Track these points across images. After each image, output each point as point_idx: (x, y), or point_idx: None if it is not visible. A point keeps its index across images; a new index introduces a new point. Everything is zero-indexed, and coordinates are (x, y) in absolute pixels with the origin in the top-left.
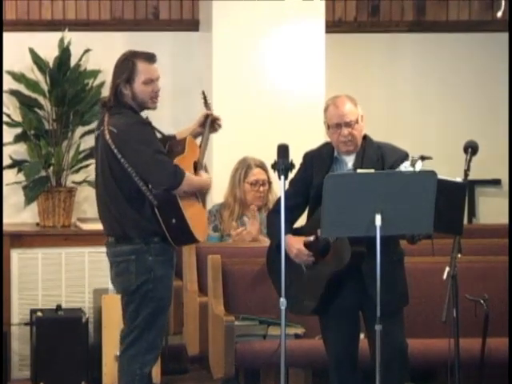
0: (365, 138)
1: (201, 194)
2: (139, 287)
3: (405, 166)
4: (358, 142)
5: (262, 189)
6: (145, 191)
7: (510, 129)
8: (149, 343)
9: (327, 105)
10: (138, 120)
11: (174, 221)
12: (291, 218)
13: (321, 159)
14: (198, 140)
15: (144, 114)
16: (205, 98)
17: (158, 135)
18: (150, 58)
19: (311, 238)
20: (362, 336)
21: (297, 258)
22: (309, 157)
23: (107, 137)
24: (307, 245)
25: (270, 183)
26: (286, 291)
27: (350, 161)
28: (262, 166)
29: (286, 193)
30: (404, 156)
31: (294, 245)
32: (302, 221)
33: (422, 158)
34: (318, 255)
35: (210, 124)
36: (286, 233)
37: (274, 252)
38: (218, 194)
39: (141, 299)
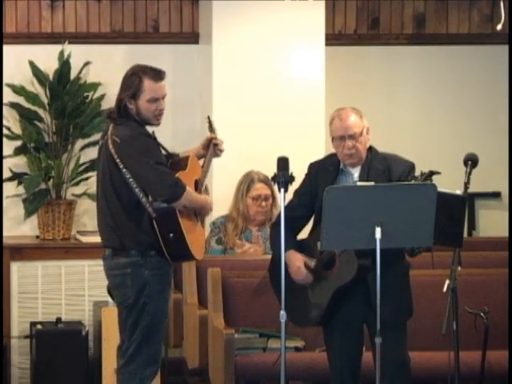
0: (370, 149)
1: (200, 214)
2: (136, 301)
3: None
4: (363, 155)
5: (264, 203)
6: (144, 203)
7: (510, 141)
8: (148, 357)
9: (332, 117)
10: (142, 132)
11: (171, 235)
12: (295, 229)
13: (326, 171)
14: (201, 162)
15: (149, 129)
16: (209, 123)
17: (163, 152)
18: (158, 75)
19: (312, 264)
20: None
21: (294, 275)
22: (314, 168)
23: (110, 146)
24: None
25: (273, 198)
26: (290, 304)
27: (355, 172)
28: (265, 180)
29: (290, 204)
30: (410, 167)
31: (295, 262)
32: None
33: (432, 173)
34: (322, 268)
35: (212, 147)
36: (288, 245)
37: (277, 265)
38: (217, 209)
39: (138, 313)
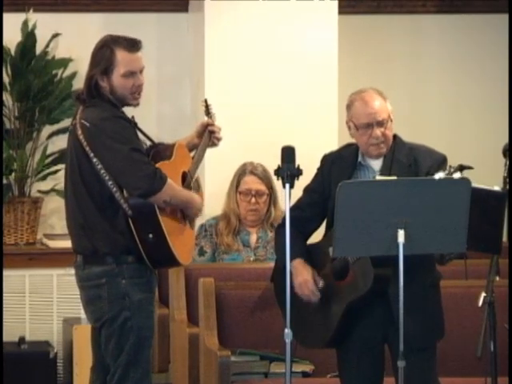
0: (394, 137)
1: (188, 215)
2: (115, 316)
3: (439, 177)
4: (390, 144)
5: (253, 200)
6: (119, 199)
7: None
8: (135, 383)
9: (352, 101)
10: (115, 114)
11: (150, 236)
12: (304, 232)
13: (342, 164)
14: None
15: (128, 112)
16: (206, 107)
17: (148, 142)
18: (133, 45)
19: (320, 284)
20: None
21: (298, 289)
22: (328, 161)
23: (79, 132)
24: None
25: (271, 195)
26: (296, 320)
27: (376, 166)
28: (258, 173)
29: (299, 203)
30: (442, 160)
31: (302, 273)
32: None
33: (461, 168)
34: (333, 278)
35: (207, 135)
36: (295, 252)
37: (282, 273)
38: (209, 209)
39: (120, 331)
